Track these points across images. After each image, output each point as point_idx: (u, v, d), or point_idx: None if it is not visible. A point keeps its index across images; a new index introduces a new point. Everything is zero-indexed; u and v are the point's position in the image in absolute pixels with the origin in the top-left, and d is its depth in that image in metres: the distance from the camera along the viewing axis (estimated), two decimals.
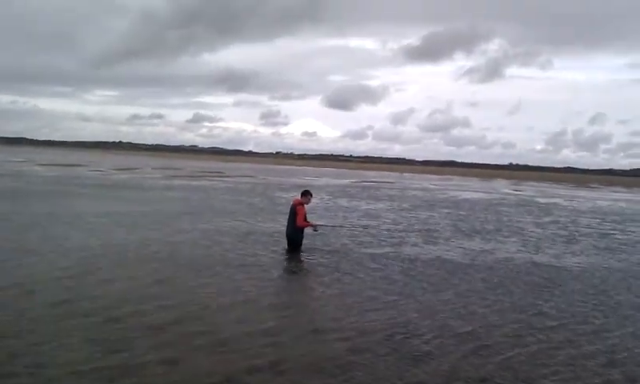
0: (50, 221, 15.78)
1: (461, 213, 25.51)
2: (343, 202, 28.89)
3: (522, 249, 15.19)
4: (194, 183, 38.92)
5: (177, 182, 39.91)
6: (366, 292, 9.36)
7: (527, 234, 18.42)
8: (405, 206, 28.26)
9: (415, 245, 14.86)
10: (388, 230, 17.81)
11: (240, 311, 7.84)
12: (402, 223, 19.86)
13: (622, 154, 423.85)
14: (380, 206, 27.57)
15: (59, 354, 5.92)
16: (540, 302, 9.32)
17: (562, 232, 19.74)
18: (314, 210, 21.48)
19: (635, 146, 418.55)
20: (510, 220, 23.09)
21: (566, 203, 37.58)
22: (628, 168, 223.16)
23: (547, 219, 24.51)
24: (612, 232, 20.74)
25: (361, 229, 17.11)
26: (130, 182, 36.17)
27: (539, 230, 19.84)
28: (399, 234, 16.74)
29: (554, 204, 35.92)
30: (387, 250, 13.76)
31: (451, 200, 34.92)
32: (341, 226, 16.99)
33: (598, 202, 42.19)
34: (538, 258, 13.71)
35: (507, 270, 11.97)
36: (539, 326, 7.92)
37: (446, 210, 26.57)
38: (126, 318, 7.22)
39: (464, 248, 14.75)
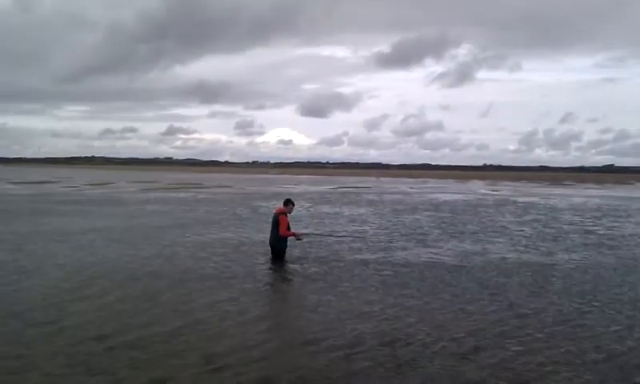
0: (37, 239, 15.30)
1: (444, 215, 25.53)
2: (325, 208, 28.71)
3: (511, 248, 15.20)
4: (173, 195, 38.34)
5: (155, 194, 39.25)
6: (357, 299, 9.17)
7: (513, 234, 18.47)
8: (387, 210, 28.19)
9: (403, 249, 14.74)
10: (374, 234, 17.70)
11: (227, 325, 7.60)
12: (387, 228, 19.76)
13: (592, 151, 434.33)
14: (362, 211, 27.46)
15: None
16: (537, 302, 9.25)
17: (547, 230, 19.85)
18: (300, 219, 21.30)
19: (605, 143, 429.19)
20: (492, 220, 23.18)
21: (543, 201, 37.98)
22: (600, 165, 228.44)
23: (529, 218, 24.68)
24: (594, 228, 20.94)
25: (346, 235, 16.94)
26: (108, 197, 35.44)
27: (525, 229, 19.94)
28: (386, 239, 16.61)
29: (532, 203, 36.25)
30: (376, 255, 13.59)
31: (431, 202, 35.00)
32: (326, 235, 16.77)
33: (573, 198, 42.76)
34: (529, 257, 13.71)
35: (500, 271, 11.91)
36: (538, 326, 7.83)
37: (429, 213, 26.58)
38: (114, 335, 6.93)
39: (453, 250, 14.69)
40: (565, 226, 21.19)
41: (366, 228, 19.56)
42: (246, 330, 7.41)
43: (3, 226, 18.13)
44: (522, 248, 15.25)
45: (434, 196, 43.36)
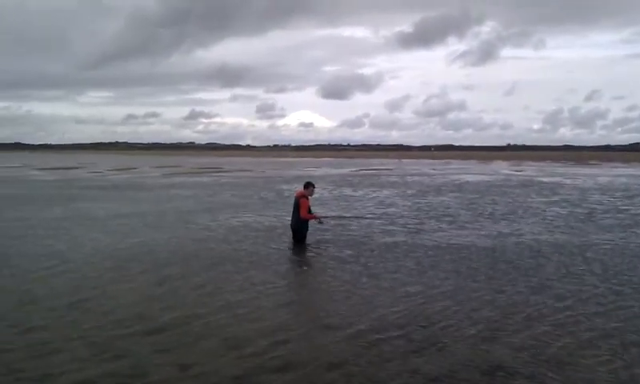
0: (71, 225, 15.46)
1: (470, 196, 25.20)
2: (348, 191, 28.60)
3: (543, 229, 14.90)
4: (197, 180, 38.55)
5: (179, 179, 39.55)
6: (386, 281, 9.05)
7: (544, 215, 18.12)
8: (411, 192, 27.97)
9: (432, 231, 14.56)
10: (401, 216, 17.54)
11: (248, 309, 7.54)
12: (414, 209, 19.58)
13: (619, 130, 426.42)
14: (387, 193, 27.27)
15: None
16: (574, 283, 9.03)
17: (578, 210, 19.46)
18: (325, 202, 21.27)
19: (632, 121, 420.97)
20: (520, 201, 22.79)
21: (569, 181, 37.33)
22: (626, 143, 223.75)
23: (556, 198, 24.24)
24: (625, 207, 20.47)
25: (370, 217, 16.81)
26: (133, 182, 35.79)
27: (555, 209, 19.57)
28: (414, 221, 16.45)
29: (558, 183, 35.65)
30: (402, 238, 13.43)
31: (456, 184, 34.63)
32: (348, 217, 16.71)
33: (600, 178, 41.93)
34: (562, 238, 13.42)
35: (534, 252, 11.65)
36: (575, 307, 7.64)
37: (454, 194, 26.30)
38: (132, 320, 6.96)
39: (484, 231, 14.44)
40: (595, 206, 20.75)
41: (393, 210, 19.40)
42: (272, 314, 7.36)
43: (35, 212, 18.37)
44: (554, 229, 14.94)
45: (459, 177, 42.90)
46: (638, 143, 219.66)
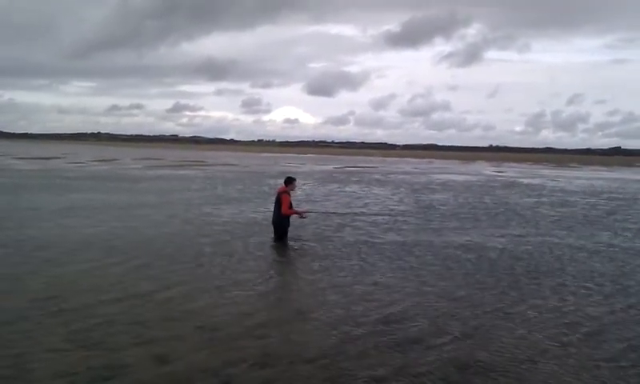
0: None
1: (457, 195, 25.39)
2: (333, 187, 28.61)
3: (536, 231, 15.03)
4: (181, 173, 38.28)
5: (161, 172, 39.22)
6: (361, 279, 9.03)
7: (538, 217, 18.20)
8: (401, 190, 28.08)
9: (416, 228, 14.64)
10: (385, 213, 17.60)
11: (227, 303, 7.51)
12: (398, 206, 19.67)
13: (599, 134, 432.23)
14: (369, 189, 27.36)
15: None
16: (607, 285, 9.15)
17: (580, 213, 19.76)
18: (314, 199, 21.25)
19: (612, 126, 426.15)
20: (515, 203, 23.01)
21: (555, 184, 37.79)
22: (606, 147, 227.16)
23: (546, 199, 24.54)
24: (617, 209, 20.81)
25: (354, 214, 16.85)
26: (118, 174, 35.40)
27: (552, 213, 19.70)
28: (396, 218, 16.52)
29: (542, 185, 36.08)
30: (384, 234, 13.53)
31: (440, 183, 34.86)
32: (329, 213, 16.76)
33: (592, 180, 42.50)
34: (574, 241, 13.42)
35: (554, 256, 11.63)
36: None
37: (439, 192, 26.48)
38: (107, 312, 6.90)
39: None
40: (591, 211, 21.05)
41: (377, 206, 19.47)
42: (251, 308, 7.33)
43: (27, 202, 18.12)
44: (561, 232, 14.88)
45: (442, 177, 43.16)
46: (617, 147, 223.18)
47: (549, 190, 31.47)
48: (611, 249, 12.59)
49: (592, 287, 8.98)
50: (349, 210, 18.06)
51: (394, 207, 19.77)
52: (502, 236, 13.83)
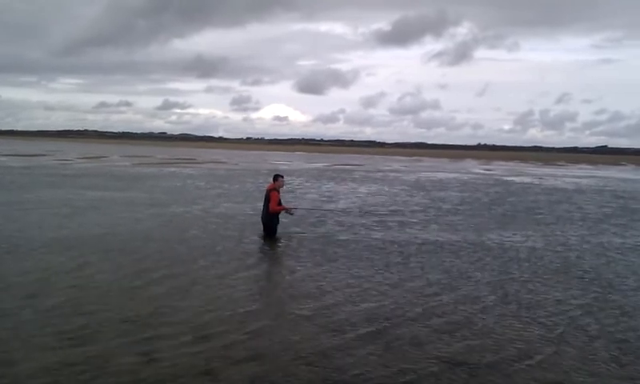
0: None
1: (458, 194, 25.45)
2: (322, 184, 28.58)
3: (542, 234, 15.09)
4: (170, 170, 38.03)
5: (150, 170, 38.94)
6: (350, 277, 9.01)
7: (550, 214, 18.32)
8: (397, 188, 28.12)
9: (403, 226, 14.66)
10: (372, 211, 17.59)
11: (217, 300, 7.46)
12: (385, 203, 19.68)
13: (587, 132, 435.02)
14: (358, 187, 27.35)
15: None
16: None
17: (593, 209, 19.82)
18: (304, 196, 21.17)
19: (599, 124, 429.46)
20: (519, 201, 23.13)
21: (548, 182, 38.03)
22: (593, 146, 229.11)
23: (545, 198, 24.66)
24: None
25: (339, 212, 16.78)
26: (112, 171, 35.11)
27: (560, 211, 19.83)
28: (384, 215, 16.54)
29: (531, 184, 36.30)
30: (373, 232, 13.55)
31: (433, 181, 34.97)
32: (317, 209, 16.72)
33: (580, 179, 42.82)
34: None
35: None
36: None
37: (441, 192, 26.56)
38: (97, 309, 6.81)
39: (450, 226, 14.59)
40: (591, 209, 21.18)
41: (366, 203, 19.47)
42: (241, 306, 7.28)
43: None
44: (585, 231, 14.83)
45: (434, 175, 43.29)
46: (604, 146, 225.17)
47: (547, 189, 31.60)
48: None
49: None
50: (337, 207, 18.01)
51: (378, 205, 19.75)
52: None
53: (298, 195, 21.78)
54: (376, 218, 15.89)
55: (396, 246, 11.80)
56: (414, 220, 15.82)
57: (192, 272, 8.99)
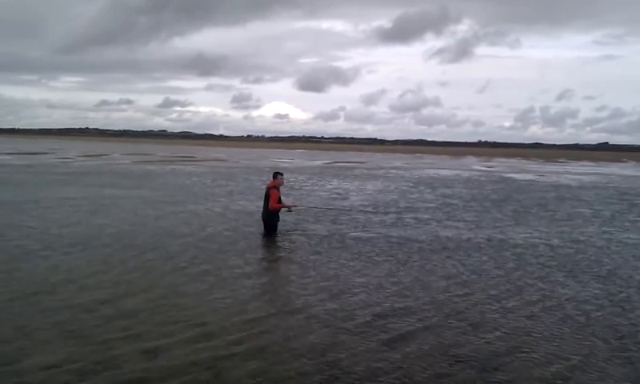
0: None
1: (461, 190, 25.43)
2: (323, 181, 28.57)
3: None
4: (172, 168, 38.03)
5: (151, 167, 38.93)
6: (348, 275, 8.93)
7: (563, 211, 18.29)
8: (404, 185, 28.09)
9: (400, 224, 14.64)
10: (372, 211, 17.56)
11: (218, 297, 7.45)
12: (383, 201, 19.66)
13: (588, 129, 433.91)
14: (379, 186, 27.33)
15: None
16: None
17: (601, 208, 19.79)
18: (312, 194, 21.12)
19: (601, 121, 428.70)
20: (527, 197, 23.10)
21: (551, 179, 38.00)
22: (594, 142, 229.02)
23: (553, 195, 24.65)
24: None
25: (338, 210, 16.62)
26: (117, 169, 35.09)
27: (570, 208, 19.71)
28: (385, 213, 16.51)
29: (536, 181, 36.27)
30: (373, 230, 13.53)
31: (437, 178, 34.95)
32: (317, 207, 16.66)
33: (583, 176, 42.79)
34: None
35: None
36: None
37: (447, 189, 26.53)
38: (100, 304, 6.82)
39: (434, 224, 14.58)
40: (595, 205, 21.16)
41: (367, 201, 19.44)
42: (242, 302, 7.28)
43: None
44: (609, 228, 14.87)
45: (437, 172, 43.26)
46: (605, 142, 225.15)
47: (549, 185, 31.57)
48: None
49: None
50: (338, 206, 17.97)
51: (378, 203, 19.74)
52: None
53: (305, 193, 21.76)
54: (393, 215, 15.89)
55: (394, 241, 11.79)
56: (427, 216, 15.84)
57: (191, 267, 8.99)
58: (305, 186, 25.78)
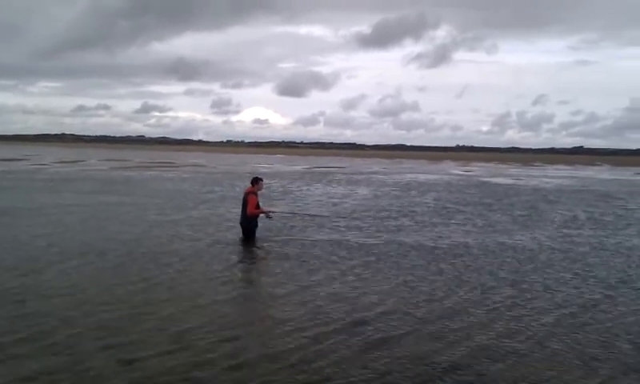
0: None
1: (438, 194, 25.52)
2: (300, 187, 28.48)
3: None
4: (149, 173, 37.58)
5: (135, 173, 38.45)
6: (326, 281, 8.79)
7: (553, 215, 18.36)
8: (385, 189, 28.12)
9: (380, 229, 14.61)
10: (350, 216, 17.50)
11: (195, 305, 7.28)
12: (362, 207, 19.63)
13: (563, 133, 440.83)
14: (340, 190, 27.28)
15: None
16: None
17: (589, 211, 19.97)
18: (278, 198, 20.99)
19: (575, 125, 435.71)
20: (514, 202, 23.24)
21: (532, 182, 38.41)
22: (570, 146, 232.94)
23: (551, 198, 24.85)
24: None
25: (318, 216, 16.39)
26: (96, 176, 34.53)
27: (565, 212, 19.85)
28: (361, 219, 16.47)
29: (516, 185, 36.64)
30: (350, 236, 13.47)
31: (419, 182, 35.10)
32: (295, 213, 16.45)
33: (561, 180, 43.36)
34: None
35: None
36: None
37: (433, 194, 26.61)
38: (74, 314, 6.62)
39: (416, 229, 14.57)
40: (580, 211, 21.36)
41: (344, 207, 19.37)
42: (220, 310, 7.14)
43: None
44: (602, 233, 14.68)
45: (415, 176, 43.46)
46: (580, 146, 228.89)
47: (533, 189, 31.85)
48: None
49: None
50: (317, 212, 17.84)
51: (356, 208, 19.70)
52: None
53: (297, 198, 21.62)
54: (357, 222, 15.84)
55: (375, 247, 11.73)
56: (425, 218, 15.81)
57: (168, 275, 8.79)
58: (294, 191, 25.64)
